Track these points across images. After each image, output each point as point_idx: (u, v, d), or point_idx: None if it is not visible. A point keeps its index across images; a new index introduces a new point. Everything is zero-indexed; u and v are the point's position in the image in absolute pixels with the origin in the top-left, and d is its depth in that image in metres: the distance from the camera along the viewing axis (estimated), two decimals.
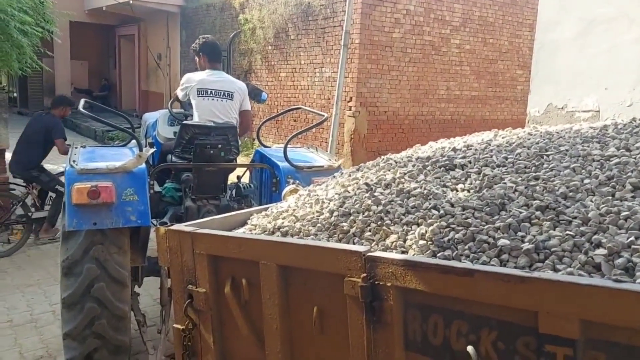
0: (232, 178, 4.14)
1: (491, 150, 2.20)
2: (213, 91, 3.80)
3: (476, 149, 2.26)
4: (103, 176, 2.94)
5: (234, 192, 3.97)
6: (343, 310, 1.53)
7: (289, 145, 3.69)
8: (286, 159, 3.59)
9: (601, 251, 1.28)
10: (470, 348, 1.29)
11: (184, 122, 3.76)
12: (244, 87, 4.01)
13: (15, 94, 19.45)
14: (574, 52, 4.78)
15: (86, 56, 19.86)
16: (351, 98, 9.82)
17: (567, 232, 1.40)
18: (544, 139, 2.23)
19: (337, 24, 9.88)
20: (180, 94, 3.95)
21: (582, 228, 1.41)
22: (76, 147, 3.54)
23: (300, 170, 3.58)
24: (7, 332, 3.89)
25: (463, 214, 1.63)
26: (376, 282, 1.45)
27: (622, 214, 1.41)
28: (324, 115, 4.06)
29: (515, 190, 1.71)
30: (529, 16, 11.34)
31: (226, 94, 3.83)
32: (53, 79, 17.56)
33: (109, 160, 3.13)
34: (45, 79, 17.67)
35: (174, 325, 2.13)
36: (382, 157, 2.55)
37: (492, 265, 1.37)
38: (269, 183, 3.78)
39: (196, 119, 3.80)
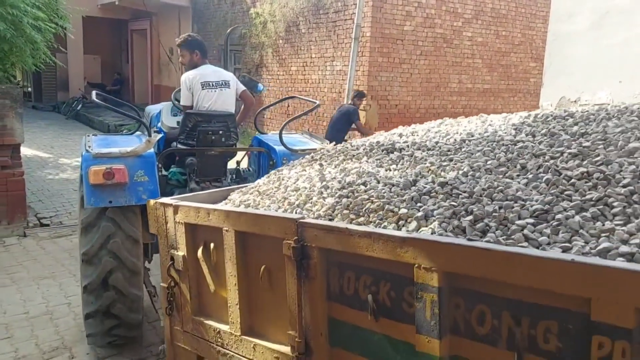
0: (232, 165, 4.42)
1: (428, 137, 2.49)
2: (213, 83, 4.07)
3: (417, 135, 2.56)
4: (116, 160, 3.22)
5: (234, 175, 4.21)
6: (283, 268, 1.82)
7: (284, 132, 3.99)
8: (282, 142, 3.87)
9: (469, 217, 1.54)
10: (369, 297, 1.57)
11: (188, 111, 4.00)
12: (234, 76, 4.34)
13: (29, 89, 19.65)
14: (588, 44, 4.73)
15: (99, 51, 19.99)
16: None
17: (452, 202, 1.67)
18: (477, 126, 2.49)
19: (348, 17, 9.85)
20: (185, 93, 4.06)
21: (464, 199, 1.68)
22: (88, 136, 3.79)
23: (294, 153, 3.81)
24: (23, 323, 3.96)
25: (383, 189, 1.91)
26: (305, 244, 1.73)
27: (498, 188, 1.67)
28: (316, 102, 4.44)
29: (430, 169, 2.02)
30: (542, 8, 11.21)
31: (224, 83, 4.13)
32: (66, 74, 17.73)
33: (120, 146, 3.41)
34: (59, 74, 17.84)
35: (161, 284, 2.44)
36: (345, 141, 2.84)
37: (389, 229, 1.63)
38: (267, 166, 4.00)
39: (196, 108, 4.04)
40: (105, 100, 3.95)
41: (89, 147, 3.37)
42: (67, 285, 4.61)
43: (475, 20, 10.75)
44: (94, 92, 3.96)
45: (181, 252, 2.29)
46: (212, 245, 2.14)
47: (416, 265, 1.42)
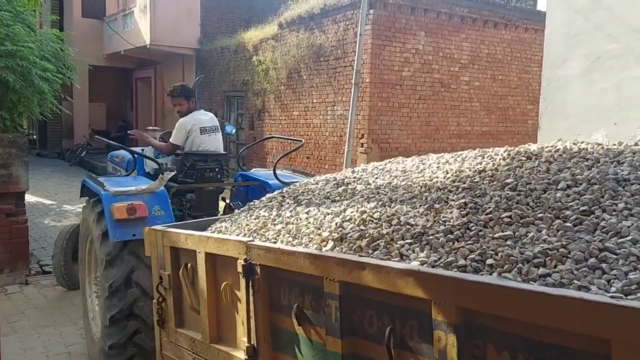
0: None
1: (373, 173, 2.80)
2: (208, 128, 4.53)
3: (366, 171, 2.88)
4: (134, 197, 3.50)
5: (227, 209, 4.51)
6: (238, 283, 2.10)
7: (265, 170, 4.47)
8: (276, 177, 4.30)
9: (367, 239, 1.83)
10: (295, 306, 1.86)
11: (185, 151, 4.39)
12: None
13: (34, 136, 19.93)
14: (582, 88, 4.83)
15: (104, 98, 20.40)
16: (363, 135, 9.94)
17: (362, 227, 1.96)
18: (412, 164, 2.78)
19: (348, 63, 10.10)
20: (181, 135, 4.42)
21: (372, 224, 1.97)
22: (93, 178, 4.01)
23: (286, 185, 4.03)
24: None
25: (320, 217, 2.19)
26: (252, 262, 2.01)
27: (396, 216, 1.97)
28: (301, 141, 5.08)
29: (359, 200, 2.32)
30: (537, 52, 11.48)
31: (215, 128, 4.60)
32: (72, 121, 18.03)
33: (131, 185, 3.69)
34: (64, 121, 18.13)
35: (153, 300, 2.76)
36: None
37: (312, 249, 1.90)
38: (254, 199, 4.23)
39: (192, 150, 4.39)
40: (108, 145, 4.34)
41: (104, 187, 3.59)
42: (67, 334, 4.56)
43: (472, 65, 11.01)
44: (96, 137, 4.57)
45: (167, 271, 2.62)
46: (189, 265, 2.45)
47: (324, 277, 1.69)
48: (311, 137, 11.11)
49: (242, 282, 2.05)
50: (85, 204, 4.03)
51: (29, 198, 7.78)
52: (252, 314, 2.03)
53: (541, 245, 1.45)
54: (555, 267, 1.35)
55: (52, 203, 10.59)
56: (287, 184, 4.06)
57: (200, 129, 4.45)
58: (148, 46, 15.24)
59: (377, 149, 9.95)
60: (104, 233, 3.45)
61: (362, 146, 9.92)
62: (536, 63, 11.56)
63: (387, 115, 10.04)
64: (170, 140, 4.48)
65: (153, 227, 2.79)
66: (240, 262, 2.04)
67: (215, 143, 4.55)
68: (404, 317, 1.52)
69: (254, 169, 5.28)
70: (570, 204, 1.64)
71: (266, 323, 2.02)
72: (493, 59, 11.31)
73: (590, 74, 4.76)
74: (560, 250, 1.40)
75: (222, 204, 4.72)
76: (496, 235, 1.59)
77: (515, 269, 1.39)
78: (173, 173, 4.16)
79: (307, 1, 11.48)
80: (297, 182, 4.17)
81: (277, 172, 4.52)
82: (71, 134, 18.76)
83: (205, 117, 4.57)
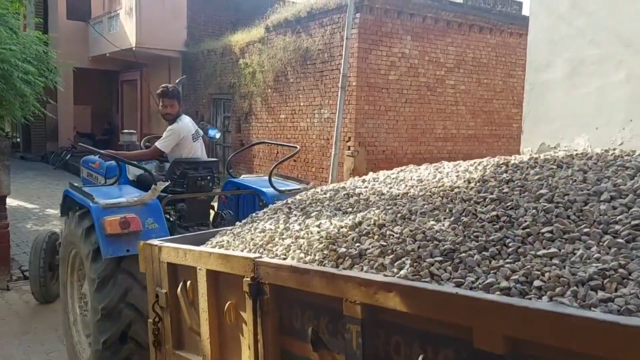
0: None
1: (386, 182, 2.64)
2: (194, 134, 4.37)
3: (378, 180, 2.72)
4: (126, 209, 3.28)
5: (219, 218, 4.37)
6: (244, 303, 1.93)
7: (254, 176, 4.28)
8: (271, 185, 4.11)
9: (391, 256, 1.67)
10: (310, 330, 1.66)
11: (175, 159, 4.18)
12: None
13: (18, 139, 19.69)
14: (565, 93, 4.88)
15: (89, 101, 20.21)
16: (350, 138, 9.95)
17: (382, 242, 1.79)
18: (429, 173, 2.62)
19: (335, 67, 10.11)
20: (173, 142, 4.18)
21: (393, 240, 1.81)
22: (74, 188, 3.75)
23: (283, 194, 3.97)
24: None
25: (333, 230, 2.02)
26: (260, 281, 1.84)
27: (421, 230, 1.81)
28: (296, 147, 4.87)
29: (375, 212, 2.12)
30: (521, 57, 11.59)
31: (199, 133, 4.45)
32: (56, 124, 17.83)
33: (120, 197, 3.47)
34: (48, 124, 17.94)
35: (149, 320, 2.59)
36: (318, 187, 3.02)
37: (328, 266, 1.75)
38: (250, 208, 4.13)
39: (181, 157, 4.23)
40: (92, 152, 4.08)
41: (93, 198, 3.35)
42: (49, 341, 4.49)
43: (457, 69, 11.08)
44: (79, 145, 4.18)
45: (164, 289, 2.44)
46: (188, 283, 2.28)
47: (344, 299, 1.53)
48: (298, 140, 11.11)
49: (249, 302, 1.89)
50: (68, 217, 3.76)
51: (10, 202, 7.67)
52: (259, 337, 1.88)
53: (595, 264, 1.32)
54: (616, 290, 1.22)
55: (35, 207, 10.44)
56: (283, 192, 3.99)
57: (192, 135, 4.33)
58: (134, 48, 15.15)
59: (364, 152, 9.97)
60: (95, 250, 3.23)
61: (349, 149, 9.93)
62: (521, 67, 11.67)
63: (374, 118, 10.07)
64: (157, 144, 4.21)
65: (149, 241, 2.60)
66: (247, 280, 1.87)
67: (201, 149, 4.45)
68: (437, 345, 1.38)
69: (243, 176, 5.05)
70: (618, 217, 1.51)
71: (276, 347, 1.87)
72: (478, 63, 11.40)
73: (572, 79, 4.80)
74: (619, 271, 1.27)
75: (212, 213, 4.55)
76: (539, 253, 1.44)
77: (569, 292, 1.25)
78: (167, 183, 3.89)
79: (294, 4, 11.49)
80: (293, 189, 4.08)
81: (276, 179, 4.32)
82: (55, 136, 18.56)
83: (191, 123, 4.42)
